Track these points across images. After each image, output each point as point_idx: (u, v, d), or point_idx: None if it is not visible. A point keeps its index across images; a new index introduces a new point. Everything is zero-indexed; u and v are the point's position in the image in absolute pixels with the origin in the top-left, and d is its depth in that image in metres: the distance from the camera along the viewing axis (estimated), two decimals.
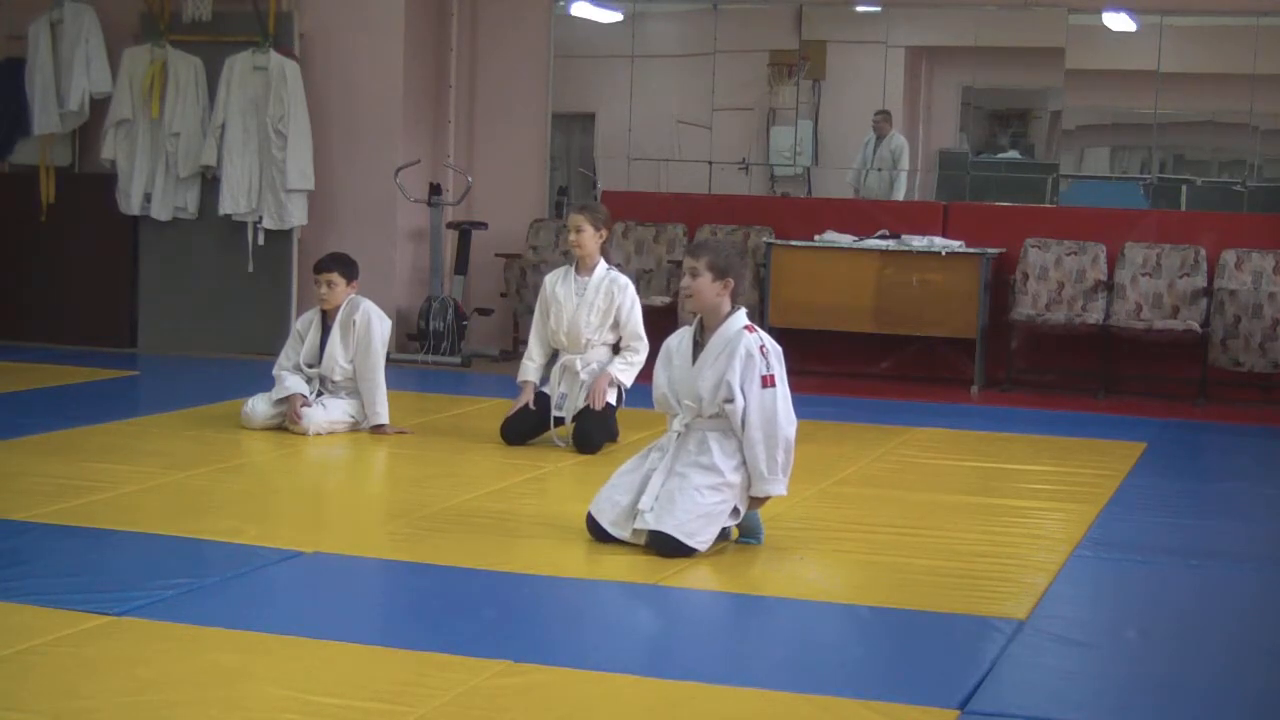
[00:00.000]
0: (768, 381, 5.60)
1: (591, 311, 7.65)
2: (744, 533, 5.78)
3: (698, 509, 5.54)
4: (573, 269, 7.77)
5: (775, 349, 5.68)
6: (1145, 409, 9.58)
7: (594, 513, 5.72)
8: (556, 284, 7.75)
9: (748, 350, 5.60)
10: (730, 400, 5.58)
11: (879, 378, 10.62)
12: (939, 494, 6.84)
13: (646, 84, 11.63)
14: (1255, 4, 10.32)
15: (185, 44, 11.07)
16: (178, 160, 11.02)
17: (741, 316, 5.73)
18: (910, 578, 5.38)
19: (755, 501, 5.71)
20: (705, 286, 5.68)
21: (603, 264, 7.73)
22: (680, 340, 5.85)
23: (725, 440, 5.64)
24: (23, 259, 11.42)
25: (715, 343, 5.68)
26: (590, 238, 7.65)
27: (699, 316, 5.81)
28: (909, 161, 11.31)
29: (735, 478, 5.62)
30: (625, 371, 7.65)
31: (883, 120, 11.24)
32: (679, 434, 5.70)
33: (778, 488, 5.67)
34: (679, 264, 10.87)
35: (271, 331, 10.47)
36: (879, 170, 11.32)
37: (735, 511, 5.67)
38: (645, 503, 5.60)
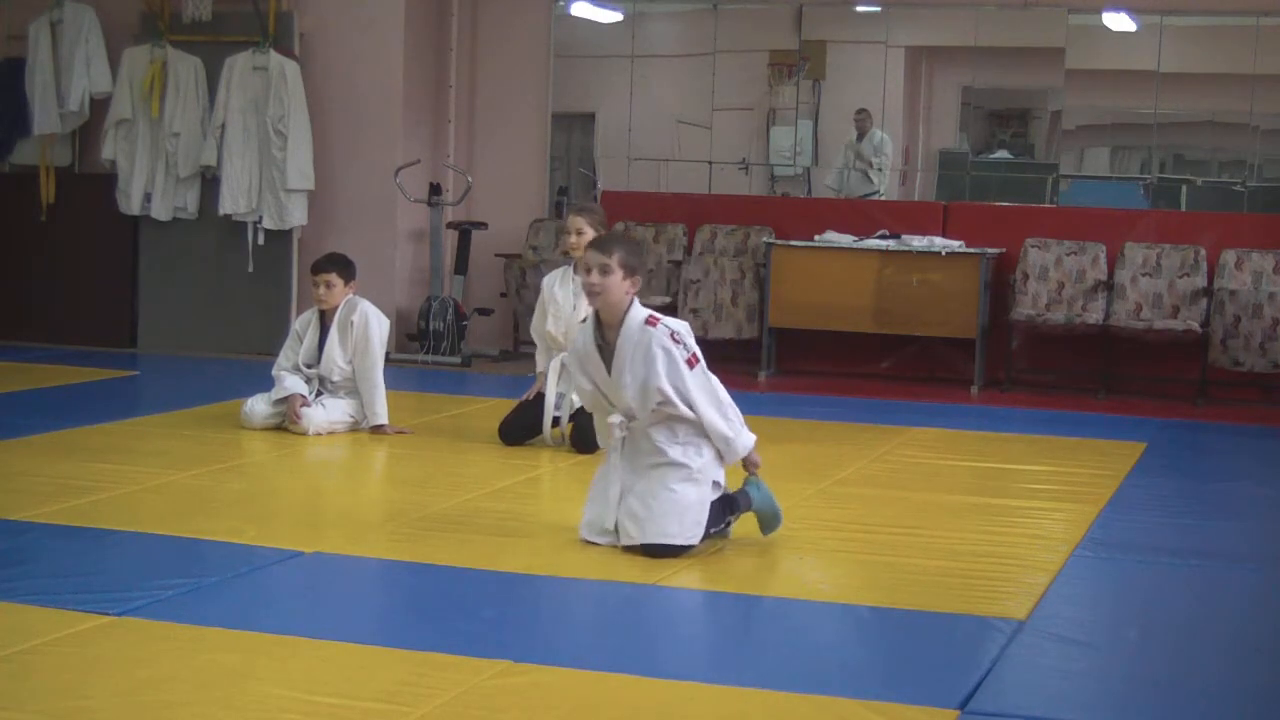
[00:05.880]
0: (693, 362, 5.50)
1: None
2: (764, 522, 5.69)
3: (675, 507, 5.47)
4: (571, 270, 7.77)
5: (683, 327, 5.57)
6: (1145, 409, 9.58)
7: (584, 534, 5.68)
8: (555, 285, 7.75)
9: (663, 348, 5.46)
10: (664, 402, 5.48)
11: (879, 378, 10.62)
12: (939, 494, 6.84)
13: (646, 84, 11.63)
14: (1255, 4, 10.33)
15: (185, 44, 11.08)
16: (178, 160, 11.03)
17: (640, 310, 5.55)
18: (910, 578, 5.37)
19: (743, 464, 5.65)
20: (616, 284, 5.50)
21: None
22: (584, 347, 5.66)
23: (670, 431, 5.54)
24: (23, 259, 11.42)
25: (624, 346, 5.52)
26: (591, 239, 7.64)
27: (590, 317, 5.67)
28: (895, 156, 11.33)
29: (699, 461, 5.55)
30: None
31: (864, 118, 11.26)
32: (623, 438, 5.60)
33: (747, 437, 5.62)
34: (679, 264, 10.88)
35: (271, 331, 10.47)
36: (859, 169, 11.34)
37: (716, 485, 5.59)
38: (610, 521, 5.55)
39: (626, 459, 5.62)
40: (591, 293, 5.56)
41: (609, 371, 5.56)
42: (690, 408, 5.49)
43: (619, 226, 10.72)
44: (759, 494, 5.71)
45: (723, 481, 5.65)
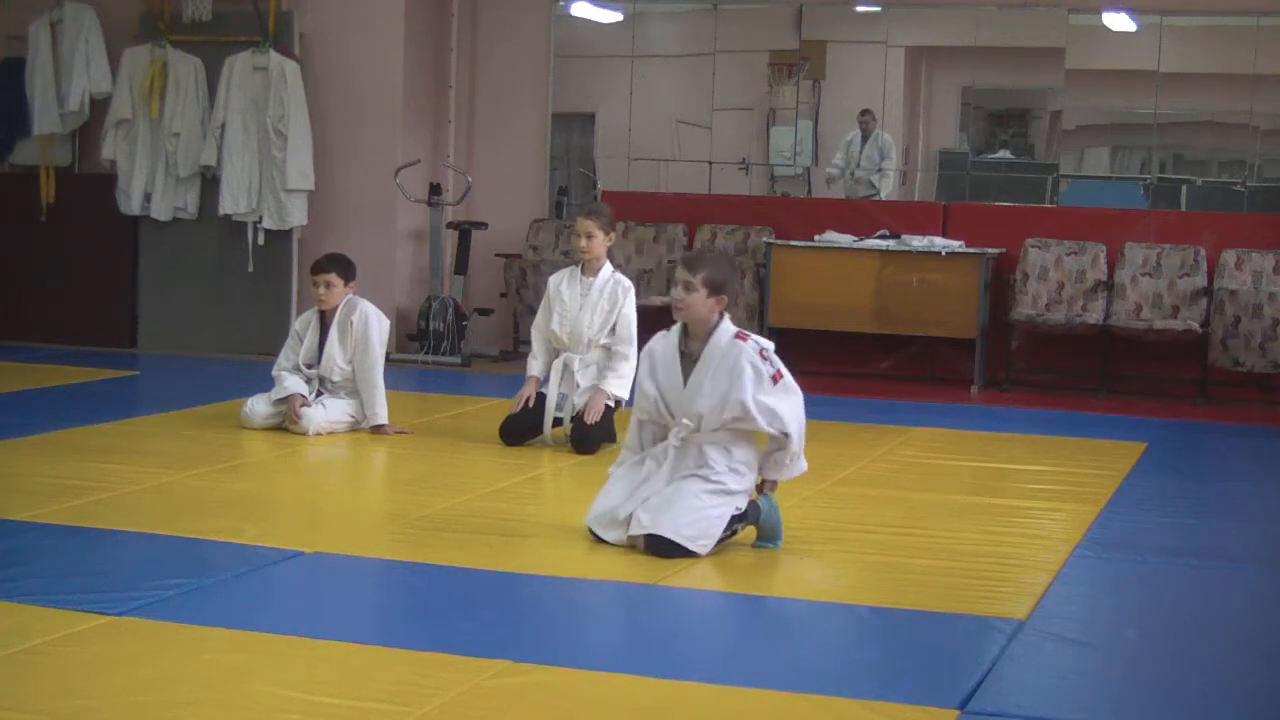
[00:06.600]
0: (777, 378, 5.58)
1: (595, 313, 7.65)
2: (763, 535, 5.73)
3: (696, 513, 5.50)
4: (578, 269, 7.78)
5: (770, 346, 5.66)
6: (1145, 409, 9.58)
7: (591, 525, 5.69)
8: (562, 284, 7.75)
9: (751, 364, 5.54)
10: (741, 417, 5.54)
11: (879, 378, 10.62)
12: (939, 494, 6.84)
13: (646, 84, 11.63)
14: (1255, 4, 10.33)
15: (185, 44, 11.08)
16: (178, 160, 11.03)
17: (729, 325, 5.65)
18: (910, 578, 5.38)
19: (771, 484, 5.73)
20: (699, 302, 5.61)
21: (608, 266, 7.73)
22: (664, 351, 5.74)
23: (724, 452, 5.60)
24: (23, 259, 11.42)
25: (710, 358, 5.59)
26: (600, 243, 7.66)
27: (681, 325, 5.74)
28: (898, 158, 11.33)
29: (737, 486, 5.61)
30: (619, 386, 7.59)
31: (868, 119, 11.26)
32: (675, 448, 5.65)
33: (803, 462, 5.73)
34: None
35: (271, 331, 10.47)
36: (863, 169, 11.34)
37: (737, 509, 5.62)
38: (624, 512, 5.56)
39: (670, 468, 5.65)
40: (676, 308, 5.68)
41: (685, 381, 5.63)
42: (772, 422, 5.55)
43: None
44: (769, 508, 5.73)
45: (744, 507, 5.69)
